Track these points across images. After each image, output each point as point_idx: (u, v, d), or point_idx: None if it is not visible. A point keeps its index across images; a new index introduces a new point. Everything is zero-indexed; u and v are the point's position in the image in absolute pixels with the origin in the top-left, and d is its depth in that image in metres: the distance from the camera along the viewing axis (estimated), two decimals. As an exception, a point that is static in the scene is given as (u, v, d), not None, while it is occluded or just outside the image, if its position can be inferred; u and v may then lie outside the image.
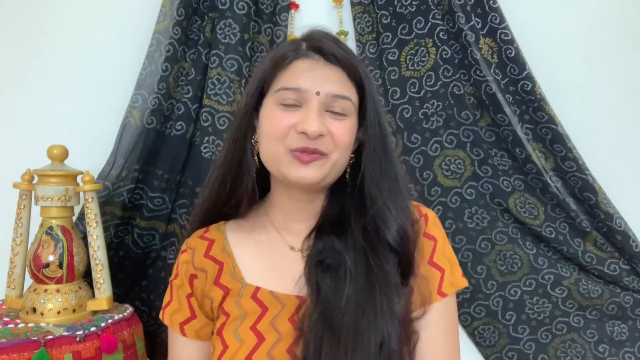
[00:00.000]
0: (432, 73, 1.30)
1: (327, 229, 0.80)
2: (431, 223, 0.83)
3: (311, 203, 0.83)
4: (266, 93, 0.79)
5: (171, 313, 0.85)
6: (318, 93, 0.75)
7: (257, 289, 0.79)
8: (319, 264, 0.76)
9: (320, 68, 0.77)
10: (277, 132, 0.75)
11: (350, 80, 0.79)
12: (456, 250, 1.29)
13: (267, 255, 0.83)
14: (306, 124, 0.73)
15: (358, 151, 0.81)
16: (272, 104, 0.77)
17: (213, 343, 0.80)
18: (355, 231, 0.78)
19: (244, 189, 0.82)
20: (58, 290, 0.98)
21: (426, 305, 0.76)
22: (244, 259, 0.83)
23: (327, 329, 0.70)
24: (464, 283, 0.81)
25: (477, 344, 1.34)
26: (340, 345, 0.69)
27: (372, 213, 0.77)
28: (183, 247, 0.87)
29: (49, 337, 0.89)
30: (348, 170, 0.82)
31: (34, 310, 0.97)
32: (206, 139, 1.24)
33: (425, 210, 0.85)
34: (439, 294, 0.78)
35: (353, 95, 0.78)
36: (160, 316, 0.86)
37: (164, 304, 0.86)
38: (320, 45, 0.78)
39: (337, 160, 0.77)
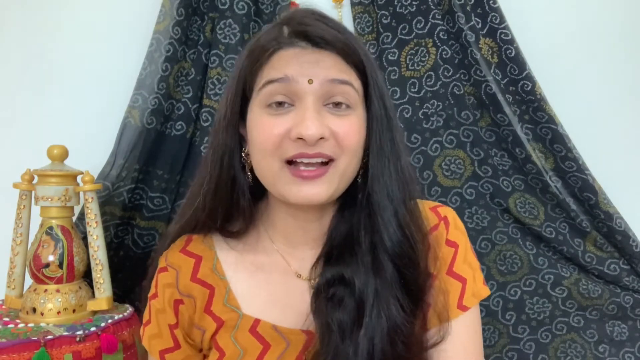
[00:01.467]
0: (432, 73, 1.30)
1: (336, 254, 0.67)
2: (452, 226, 0.71)
3: (318, 221, 0.70)
4: (250, 97, 0.65)
5: (150, 336, 0.72)
6: (310, 81, 0.60)
7: (257, 321, 0.67)
8: (329, 300, 0.65)
9: (308, 55, 0.62)
10: (267, 143, 0.61)
11: (349, 65, 0.64)
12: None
13: (269, 283, 0.70)
14: (302, 127, 0.59)
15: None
16: (258, 107, 0.63)
17: None
18: (365, 251, 0.66)
19: (241, 213, 0.70)
20: (58, 290, 0.98)
21: (443, 322, 0.66)
22: (240, 284, 0.70)
23: None
24: (485, 292, 0.70)
25: (477, 344, 1.34)
26: None
27: (378, 223, 0.65)
28: (162, 262, 0.73)
29: (49, 337, 0.89)
30: (360, 172, 0.67)
31: (34, 310, 0.97)
32: (206, 139, 1.24)
33: (444, 211, 0.72)
34: (460, 307, 0.67)
35: (355, 80, 0.64)
36: (141, 333, 0.75)
37: (144, 321, 0.74)
38: (304, 29, 0.63)
39: (346, 166, 0.63)
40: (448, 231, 0.70)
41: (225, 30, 1.24)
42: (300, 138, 0.60)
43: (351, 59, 0.64)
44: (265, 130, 0.62)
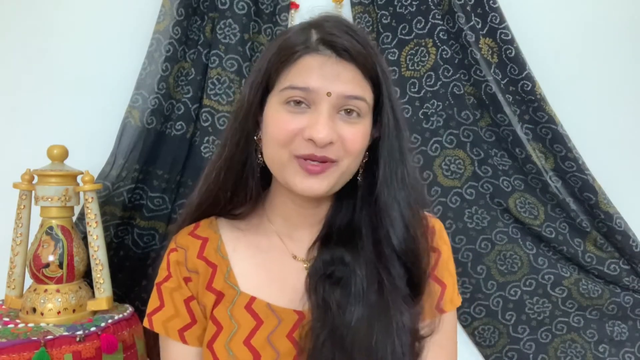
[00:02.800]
0: (432, 73, 1.30)
1: (335, 239, 0.74)
2: (437, 235, 0.79)
3: (316, 209, 0.77)
4: (271, 89, 0.71)
5: (165, 319, 0.76)
6: (329, 94, 0.67)
7: (253, 299, 0.73)
8: (327, 278, 0.71)
9: (331, 65, 0.68)
10: (281, 137, 0.68)
11: (366, 79, 0.70)
12: (456, 250, 1.29)
13: (266, 263, 0.76)
14: (314, 130, 0.65)
15: (371, 149, 0.74)
16: (277, 103, 0.69)
17: (203, 358, 0.74)
18: (367, 243, 0.72)
19: (248, 192, 0.76)
20: (58, 290, 0.98)
21: (430, 319, 0.74)
22: (240, 263, 0.76)
23: (338, 349, 0.66)
24: (459, 301, 0.79)
25: (477, 344, 1.34)
26: None
27: (385, 221, 0.71)
28: (172, 245, 0.79)
29: (49, 337, 0.89)
30: (360, 170, 0.74)
31: (34, 310, 0.97)
32: (206, 139, 1.24)
33: (432, 221, 0.80)
34: (437, 309, 0.75)
35: (368, 94, 0.70)
36: (147, 324, 0.77)
37: (149, 310, 0.77)
38: (332, 40, 0.68)
39: (347, 167, 0.70)
40: (433, 238, 0.78)
41: (225, 30, 1.23)
42: (311, 140, 0.66)
43: (369, 73, 0.70)
44: (281, 125, 0.68)
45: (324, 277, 0.71)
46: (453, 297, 0.77)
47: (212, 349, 0.72)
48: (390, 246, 0.71)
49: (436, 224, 0.80)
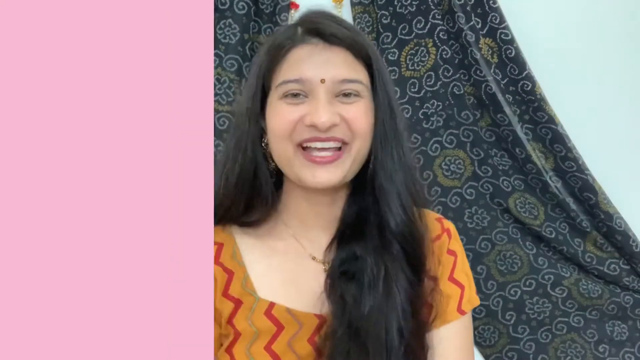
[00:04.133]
0: (432, 73, 1.30)
1: (347, 235, 0.73)
2: (453, 238, 0.80)
3: (331, 205, 0.75)
4: (268, 92, 0.71)
5: None
6: (323, 81, 0.66)
7: (272, 304, 0.71)
8: (342, 275, 0.70)
9: (320, 52, 0.68)
10: (282, 127, 0.67)
11: (358, 60, 0.70)
12: (456, 250, 1.29)
13: (284, 266, 0.74)
14: (315, 116, 0.65)
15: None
16: (275, 100, 0.69)
17: None
18: (373, 230, 0.72)
19: (263, 199, 0.73)
20: (58, 290, 0.98)
21: (445, 323, 0.73)
22: (257, 268, 0.74)
23: (354, 341, 0.66)
24: (477, 301, 0.78)
25: (477, 344, 1.33)
26: (369, 355, 0.65)
27: (382, 205, 0.70)
28: None
29: (49, 337, 0.89)
30: (372, 158, 0.73)
31: (34, 310, 0.97)
32: (206, 139, 1.24)
33: (447, 224, 0.80)
34: (459, 311, 0.75)
35: (363, 76, 0.70)
36: None
37: None
38: (317, 27, 0.69)
39: (358, 150, 0.69)
40: (450, 242, 0.79)
41: (225, 30, 1.23)
42: (313, 125, 0.66)
43: (360, 54, 0.70)
44: (281, 117, 0.68)
45: (340, 275, 0.70)
46: (471, 297, 0.78)
47: (232, 354, 0.70)
48: (389, 229, 0.70)
49: (451, 227, 0.81)
